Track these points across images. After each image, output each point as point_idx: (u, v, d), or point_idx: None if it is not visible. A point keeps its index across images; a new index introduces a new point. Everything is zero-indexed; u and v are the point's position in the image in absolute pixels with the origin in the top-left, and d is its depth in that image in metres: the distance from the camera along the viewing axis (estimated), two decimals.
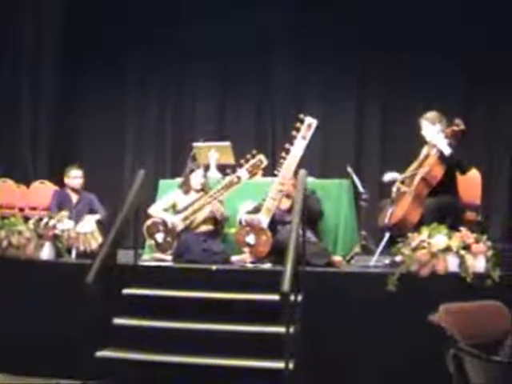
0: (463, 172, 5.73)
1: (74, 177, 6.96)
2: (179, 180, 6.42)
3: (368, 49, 8.91)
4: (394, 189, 5.77)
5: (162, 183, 6.75)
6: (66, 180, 7.01)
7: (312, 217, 5.67)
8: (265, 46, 9.40)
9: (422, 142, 5.95)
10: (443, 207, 5.56)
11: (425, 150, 5.90)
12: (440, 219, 5.25)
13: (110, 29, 9.50)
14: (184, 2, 9.48)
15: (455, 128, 5.68)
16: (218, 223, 6.12)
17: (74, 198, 6.93)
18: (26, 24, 9.31)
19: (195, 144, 7.16)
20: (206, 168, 6.64)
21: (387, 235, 5.79)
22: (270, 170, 6.48)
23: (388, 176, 5.91)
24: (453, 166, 5.64)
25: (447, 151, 5.59)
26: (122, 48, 9.63)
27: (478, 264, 4.90)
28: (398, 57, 8.81)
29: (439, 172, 5.62)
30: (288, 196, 5.78)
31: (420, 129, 5.89)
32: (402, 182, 5.76)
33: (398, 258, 5.06)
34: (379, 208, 5.97)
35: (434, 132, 5.75)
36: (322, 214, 5.93)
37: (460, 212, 5.77)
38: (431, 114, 5.88)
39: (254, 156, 5.88)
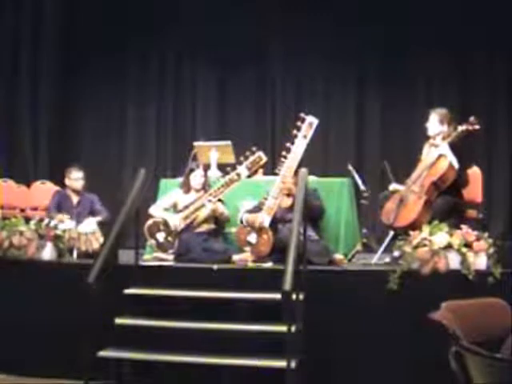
0: (464, 185, 5.74)
1: (75, 178, 6.95)
2: (180, 179, 6.41)
3: (369, 48, 8.91)
4: (405, 186, 5.74)
5: (163, 183, 6.75)
6: (67, 182, 7.00)
7: (314, 214, 5.66)
8: (265, 44, 9.41)
9: (423, 139, 5.95)
10: (449, 207, 5.56)
11: (426, 148, 5.88)
12: (447, 218, 5.25)
13: (109, 28, 9.49)
14: (184, 1, 9.48)
15: (470, 127, 5.61)
16: (218, 222, 6.12)
17: (75, 199, 6.92)
18: (25, 22, 9.30)
19: (196, 143, 7.16)
20: (207, 167, 6.64)
21: (391, 234, 5.79)
22: (271, 169, 6.47)
23: (392, 187, 5.89)
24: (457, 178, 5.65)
25: (457, 166, 5.59)
26: (121, 47, 9.63)
27: (479, 261, 4.91)
28: (399, 56, 8.82)
29: (452, 176, 5.60)
30: (289, 194, 5.76)
31: (427, 120, 5.87)
32: (411, 180, 5.73)
33: (397, 253, 5.06)
34: (380, 201, 5.94)
35: (439, 131, 5.77)
36: (324, 211, 5.91)
37: (462, 210, 5.77)
38: (444, 112, 5.85)
39: (253, 153, 5.87)
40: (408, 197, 5.65)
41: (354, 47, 8.95)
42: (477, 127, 5.61)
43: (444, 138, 5.73)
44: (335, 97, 9.25)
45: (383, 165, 6.48)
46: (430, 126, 5.85)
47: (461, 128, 5.64)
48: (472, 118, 5.62)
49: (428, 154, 5.83)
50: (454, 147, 5.65)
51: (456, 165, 5.60)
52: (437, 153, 5.69)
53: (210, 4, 9.24)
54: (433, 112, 5.86)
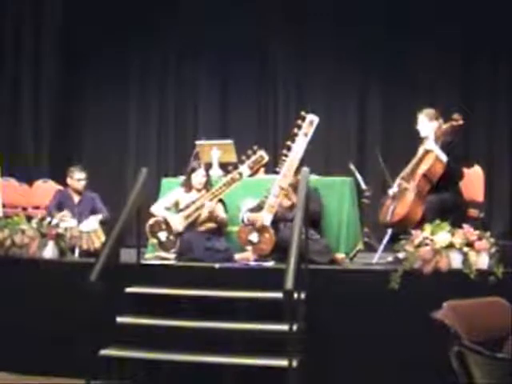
0: (458, 178, 5.74)
1: (78, 179, 6.97)
2: (182, 178, 6.41)
3: (370, 47, 8.90)
4: (395, 185, 5.78)
5: (165, 182, 6.75)
6: (70, 181, 7.01)
7: (312, 217, 5.66)
8: (266, 44, 9.41)
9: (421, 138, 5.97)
10: (445, 204, 5.56)
11: (421, 149, 5.90)
12: (442, 216, 5.24)
13: (110, 28, 9.49)
14: (184, 1, 9.49)
15: (454, 123, 5.69)
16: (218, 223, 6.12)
17: (76, 198, 6.93)
18: (26, 22, 9.31)
19: (198, 142, 7.16)
20: (209, 166, 6.64)
21: (389, 232, 5.79)
22: (272, 168, 6.47)
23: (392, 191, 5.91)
24: (449, 171, 5.65)
25: (444, 159, 5.60)
26: (123, 46, 9.64)
27: (481, 261, 4.90)
28: (400, 55, 8.80)
29: (440, 168, 5.61)
30: (288, 199, 5.77)
31: (416, 123, 5.90)
32: (403, 178, 5.76)
33: (401, 255, 5.06)
34: (380, 204, 5.97)
35: (430, 129, 5.78)
36: (322, 215, 5.90)
37: (462, 209, 5.77)
38: (430, 111, 5.88)
39: (255, 152, 5.87)
40: (400, 193, 5.68)
41: (354, 47, 8.94)
42: (461, 122, 5.68)
43: (437, 134, 5.76)
44: (336, 96, 9.24)
45: (376, 152, 6.52)
46: (422, 127, 5.89)
47: (445, 126, 5.72)
48: (456, 115, 5.69)
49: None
50: (440, 143, 5.69)
51: (444, 158, 5.60)
52: (423, 149, 5.75)
53: (210, 4, 9.24)
54: (420, 114, 5.91)
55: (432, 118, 5.83)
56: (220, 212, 6.04)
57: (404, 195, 5.66)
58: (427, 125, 5.83)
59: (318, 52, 9.16)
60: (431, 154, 5.65)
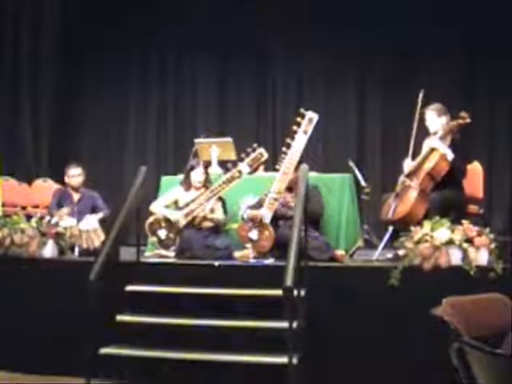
0: (462, 176, 5.73)
1: (73, 175, 6.98)
2: (181, 176, 6.41)
3: (369, 46, 8.91)
4: (400, 182, 5.78)
5: (164, 180, 6.75)
6: (66, 179, 7.03)
7: (312, 217, 5.66)
8: (266, 44, 9.41)
9: (423, 135, 5.95)
10: (448, 202, 5.55)
11: (425, 145, 5.88)
12: (444, 214, 5.24)
13: (110, 27, 9.50)
14: (184, 1, 9.49)
15: (461, 121, 5.67)
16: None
17: (76, 196, 6.94)
18: (26, 22, 9.31)
19: (197, 140, 7.16)
20: (208, 164, 6.63)
21: (390, 229, 5.79)
22: (272, 165, 6.47)
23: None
24: (453, 169, 5.64)
25: (450, 156, 5.59)
26: (122, 45, 9.65)
27: (480, 257, 4.90)
28: (399, 52, 8.81)
29: (445, 166, 5.61)
30: (290, 189, 5.75)
31: (424, 120, 5.88)
32: (407, 176, 5.75)
33: (401, 252, 5.05)
34: (382, 202, 5.97)
35: (439, 125, 5.76)
36: (322, 215, 5.90)
37: (464, 206, 5.76)
38: (437, 106, 5.86)
39: (254, 150, 5.86)
40: (403, 191, 5.68)
41: (354, 46, 8.94)
42: (468, 120, 5.65)
43: (445, 130, 5.74)
44: (336, 94, 9.25)
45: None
46: (430, 124, 5.86)
47: (452, 123, 5.69)
48: (463, 113, 5.66)
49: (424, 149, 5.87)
50: (451, 141, 5.68)
51: (450, 156, 5.59)
52: (428, 147, 5.74)
53: (211, 4, 9.24)
54: (427, 110, 5.87)
55: (440, 114, 5.80)
56: (218, 213, 6.04)
57: (407, 193, 5.66)
58: (436, 120, 5.80)
59: (318, 52, 9.16)
60: (436, 152, 5.64)
